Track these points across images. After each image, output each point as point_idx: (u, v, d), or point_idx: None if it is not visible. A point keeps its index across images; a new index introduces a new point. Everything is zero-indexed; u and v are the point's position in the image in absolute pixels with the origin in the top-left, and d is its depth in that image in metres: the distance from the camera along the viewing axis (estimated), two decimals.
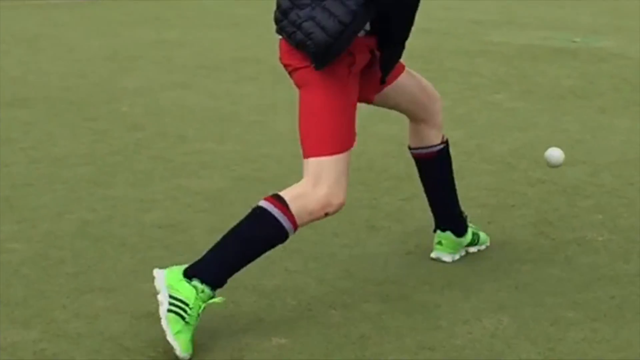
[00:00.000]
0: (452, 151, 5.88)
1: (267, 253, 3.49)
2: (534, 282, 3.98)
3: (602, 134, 6.47)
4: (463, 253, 4.22)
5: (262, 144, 6.14)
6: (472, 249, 4.26)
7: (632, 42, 10.57)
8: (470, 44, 10.15)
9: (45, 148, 6.01)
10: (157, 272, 3.36)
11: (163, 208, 4.87)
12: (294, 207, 3.37)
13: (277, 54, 3.56)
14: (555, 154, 4.10)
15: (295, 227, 3.39)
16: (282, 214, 3.36)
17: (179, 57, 9.41)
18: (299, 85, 3.52)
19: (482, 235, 4.32)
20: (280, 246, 3.50)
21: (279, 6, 3.39)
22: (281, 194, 3.41)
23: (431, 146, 4.06)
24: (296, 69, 3.46)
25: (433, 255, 4.17)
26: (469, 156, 5.84)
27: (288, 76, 3.58)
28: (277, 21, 3.40)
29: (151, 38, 10.65)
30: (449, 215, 4.16)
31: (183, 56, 9.45)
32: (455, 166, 5.57)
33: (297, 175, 5.16)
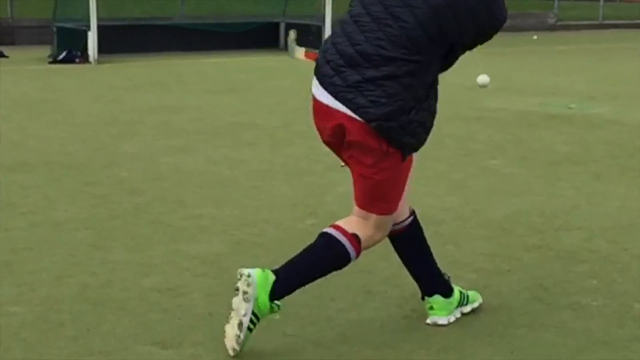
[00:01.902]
0: (448, 216, 5.98)
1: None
2: (529, 346, 4.00)
3: (597, 200, 6.52)
4: (458, 315, 4.25)
5: (260, 209, 6.18)
6: (467, 309, 4.29)
7: (627, 108, 10.69)
8: (467, 110, 10.26)
9: (45, 212, 6.05)
10: (251, 277, 3.67)
11: (162, 272, 4.90)
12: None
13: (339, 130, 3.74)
14: (482, 78, 4.55)
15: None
16: (353, 249, 3.88)
17: (178, 122, 9.50)
18: (390, 164, 3.76)
19: (471, 293, 4.36)
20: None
21: (389, 102, 3.61)
22: (356, 232, 3.89)
23: (402, 221, 4.13)
24: (390, 153, 3.71)
25: (429, 321, 4.19)
26: (465, 221, 5.89)
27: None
28: (386, 119, 3.61)
29: (151, 103, 10.76)
30: (432, 280, 4.22)
31: (182, 121, 9.54)
32: (450, 231, 5.65)
33: (295, 241, 5.22)
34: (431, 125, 3.81)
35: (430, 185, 6.67)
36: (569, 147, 8.39)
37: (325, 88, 3.70)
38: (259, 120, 9.64)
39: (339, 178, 6.79)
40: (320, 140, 3.94)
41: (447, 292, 4.21)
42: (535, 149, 8.32)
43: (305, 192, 6.64)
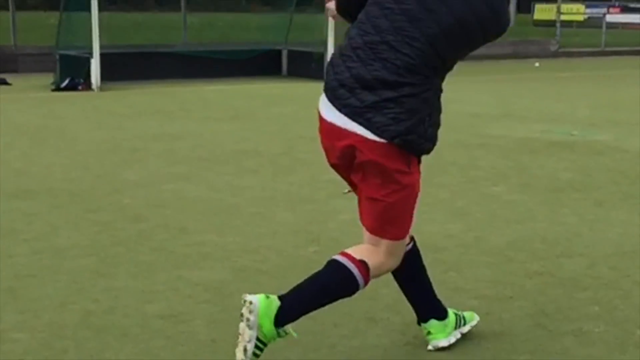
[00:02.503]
0: (451, 243, 5.98)
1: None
2: None
3: (599, 227, 6.53)
4: (458, 336, 4.24)
5: (263, 236, 6.19)
6: (465, 329, 4.29)
7: (629, 135, 10.72)
8: (470, 137, 10.29)
9: (48, 239, 6.06)
10: (253, 304, 3.62)
11: (165, 299, 4.90)
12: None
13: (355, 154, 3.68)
14: None
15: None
16: (361, 276, 3.79)
17: (181, 149, 9.53)
18: (402, 185, 3.72)
19: (467, 313, 4.36)
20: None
21: (407, 118, 3.59)
22: (364, 259, 3.79)
23: None
24: (403, 173, 3.69)
25: (430, 347, 4.18)
26: (467, 248, 5.90)
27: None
28: (407, 133, 3.60)
29: (153, 130, 10.79)
30: (427, 305, 4.22)
31: (184, 148, 9.56)
32: (453, 258, 5.65)
33: (298, 268, 5.23)
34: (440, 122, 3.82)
35: (432, 212, 6.67)
36: (571, 174, 8.41)
37: (340, 109, 3.64)
38: (261, 147, 9.67)
39: (342, 205, 6.81)
40: (327, 163, 3.89)
41: (441, 316, 4.20)
42: (537, 175, 8.33)
43: (307, 219, 6.65)
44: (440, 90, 3.75)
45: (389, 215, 3.77)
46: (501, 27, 3.71)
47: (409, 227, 3.87)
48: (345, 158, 3.73)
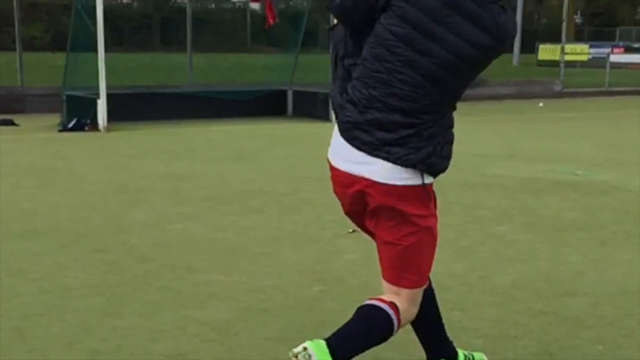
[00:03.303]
0: (455, 282, 6.01)
1: None
2: None
3: (603, 266, 6.56)
4: None
5: (269, 275, 6.23)
6: None
7: (633, 175, 10.76)
8: (474, 177, 10.34)
9: (55, 279, 6.10)
10: (308, 350, 3.52)
11: (171, 338, 4.93)
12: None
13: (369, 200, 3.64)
14: None
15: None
16: (396, 317, 3.71)
17: (187, 189, 9.58)
18: (419, 227, 3.65)
19: (476, 354, 4.38)
20: None
21: (423, 140, 3.55)
22: (394, 302, 3.70)
23: None
24: (419, 215, 3.63)
25: None
26: (472, 287, 5.93)
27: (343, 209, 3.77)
28: (428, 157, 3.56)
29: (159, 171, 10.86)
30: (440, 346, 4.23)
31: (190, 189, 9.62)
32: (457, 297, 5.68)
33: (304, 307, 5.27)
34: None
35: (437, 251, 6.66)
36: (574, 214, 8.45)
37: (358, 148, 3.57)
38: (266, 187, 9.73)
39: (347, 245, 6.85)
40: (332, 204, 3.92)
41: (451, 356, 4.23)
42: (541, 215, 8.37)
43: (313, 259, 6.69)
44: (454, 108, 3.71)
45: (406, 261, 3.70)
46: (506, 46, 3.63)
47: (427, 272, 3.82)
48: (357, 204, 3.70)
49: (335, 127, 3.70)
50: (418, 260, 3.73)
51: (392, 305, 3.69)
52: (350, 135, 3.60)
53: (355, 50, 3.64)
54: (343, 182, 3.69)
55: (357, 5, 3.53)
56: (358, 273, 6.21)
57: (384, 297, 3.75)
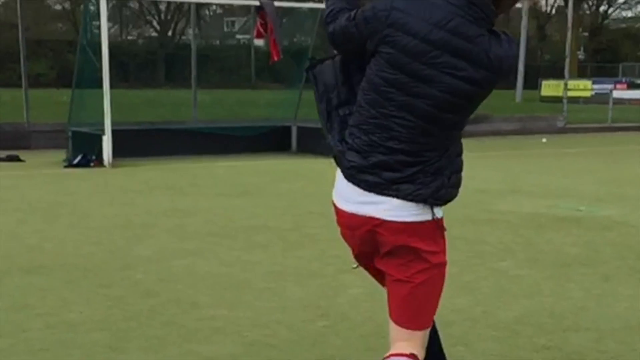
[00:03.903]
0: (458, 317, 6.03)
1: None
2: None
3: (606, 301, 6.58)
4: None
5: (273, 311, 6.25)
6: None
7: (635, 210, 10.79)
8: (477, 213, 10.38)
9: (61, 314, 6.13)
10: None
11: None
12: None
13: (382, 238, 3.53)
14: None
15: None
16: None
17: (191, 225, 9.63)
18: (431, 264, 3.56)
19: None
20: None
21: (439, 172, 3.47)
22: (414, 352, 3.56)
23: None
24: (430, 251, 3.54)
25: None
26: (475, 322, 5.95)
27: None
28: (437, 190, 3.47)
29: (164, 206, 10.91)
30: None
31: (195, 224, 9.66)
32: (461, 332, 5.70)
33: (308, 342, 5.29)
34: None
35: None
36: (577, 249, 8.48)
37: (366, 189, 3.49)
38: (270, 223, 9.77)
39: (351, 280, 6.88)
40: (336, 239, 3.79)
41: None
42: (544, 250, 8.40)
43: (317, 294, 6.72)
44: (460, 137, 3.63)
45: (417, 299, 3.57)
46: (504, 75, 3.48)
47: (433, 314, 3.70)
48: (367, 245, 3.60)
49: (338, 171, 3.62)
50: (429, 298, 3.63)
51: (414, 357, 3.56)
52: (357, 179, 3.52)
53: (350, 99, 3.59)
54: (351, 224, 3.60)
55: (349, 40, 3.49)
56: (362, 308, 6.24)
57: (401, 349, 3.58)
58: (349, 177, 3.54)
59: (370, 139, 3.47)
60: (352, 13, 3.46)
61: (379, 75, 3.41)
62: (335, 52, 3.69)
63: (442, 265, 3.62)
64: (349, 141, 3.54)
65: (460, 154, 3.63)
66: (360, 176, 3.51)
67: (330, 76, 3.65)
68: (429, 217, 3.51)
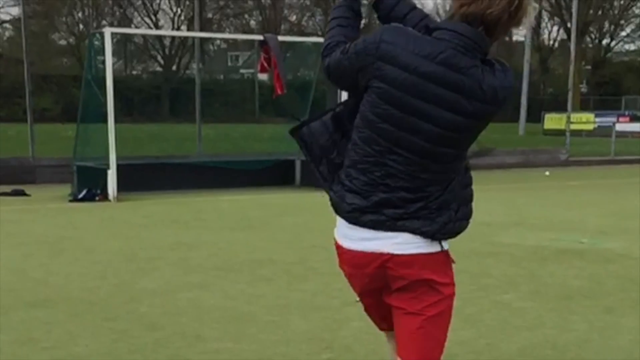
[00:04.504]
0: (462, 350, 6.06)
1: None
2: None
3: (609, 334, 6.60)
4: None
5: (277, 344, 6.28)
6: None
7: (638, 242, 10.83)
8: (481, 246, 10.40)
9: (66, 347, 6.16)
10: None
11: None
12: None
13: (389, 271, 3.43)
14: None
15: None
16: None
17: (196, 258, 9.67)
18: (443, 295, 3.48)
19: None
20: None
21: (443, 207, 3.40)
22: None
23: None
24: (444, 284, 3.47)
25: None
26: (478, 355, 5.98)
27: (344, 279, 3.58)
28: (445, 225, 3.40)
29: (169, 240, 10.95)
30: None
31: (200, 258, 9.70)
32: None
33: None
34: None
35: None
36: (580, 282, 8.50)
37: (369, 228, 3.38)
38: (275, 256, 9.81)
39: (355, 313, 6.90)
40: (337, 271, 3.68)
41: None
42: (547, 283, 8.43)
43: (321, 327, 6.75)
44: (465, 167, 3.55)
45: (429, 333, 3.47)
46: (501, 105, 3.35)
47: (444, 348, 3.59)
48: (375, 281, 3.48)
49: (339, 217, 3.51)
50: (440, 332, 3.53)
51: None
52: (360, 220, 3.41)
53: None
54: (359, 262, 3.46)
55: (342, 74, 3.43)
56: (366, 341, 6.26)
57: None
58: (352, 220, 3.44)
59: (369, 178, 3.38)
60: (346, 46, 3.40)
61: (372, 112, 3.33)
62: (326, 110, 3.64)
63: (452, 296, 3.53)
64: (346, 183, 3.44)
65: (468, 184, 3.57)
66: (364, 217, 3.40)
67: (324, 137, 3.58)
68: (438, 248, 3.44)
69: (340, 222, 3.51)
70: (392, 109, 3.29)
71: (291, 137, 3.84)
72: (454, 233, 3.47)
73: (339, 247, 3.54)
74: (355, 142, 3.41)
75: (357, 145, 3.40)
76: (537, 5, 3.33)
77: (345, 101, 3.56)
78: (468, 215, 3.54)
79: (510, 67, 3.41)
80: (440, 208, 3.40)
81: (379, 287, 3.50)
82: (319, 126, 3.59)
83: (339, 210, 3.48)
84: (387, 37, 3.28)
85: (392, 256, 3.38)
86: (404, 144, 3.32)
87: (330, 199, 3.53)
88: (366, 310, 3.75)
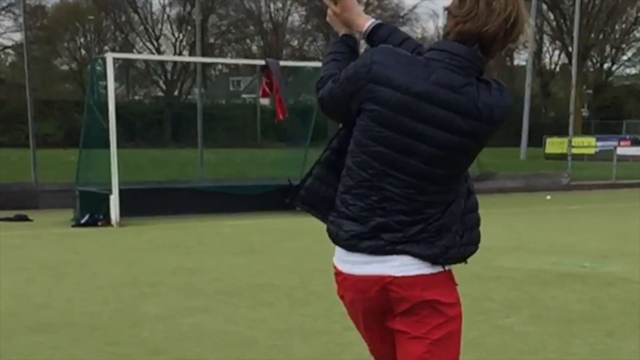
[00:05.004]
0: None
1: None
2: None
3: (610, 357, 6.62)
4: None
5: None
6: None
7: (639, 266, 10.82)
8: (483, 270, 10.42)
9: None
10: None
11: None
12: None
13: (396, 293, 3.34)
14: None
15: None
16: None
17: (198, 283, 9.69)
18: (447, 317, 3.38)
19: None
20: None
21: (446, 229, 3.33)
22: None
23: None
24: (448, 305, 3.38)
25: None
26: None
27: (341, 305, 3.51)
28: (447, 249, 3.32)
29: (171, 265, 10.98)
30: None
31: (202, 282, 9.73)
32: None
33: None
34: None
35: None
36: (582, 305, 8.52)
37: (369, 254, 3.31)
38: (276, 281, 9.83)
39: (356, 337, 6.88)
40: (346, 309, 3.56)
41: None
42: (549, 307, 8.44)
43: (323, 351, 6.76)
44: (469, 192, 3.47)
45: (437, 358, 3.36)
46: (497, 123, 3.29)
47: None
48: (378, 305, 3.38)
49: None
50: (449, 356, 3.41)
51: None
52: (359, 247, 3.34)
53: None
54: (360, 287, 3.38)
55: (335, 103, 3.38)
56: None
57: None
58: (351, 248, 3.35)
59: (365, 204, 3.32)
60: (338, 75, 3.38)
61: (366, 135, 3.28)
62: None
63: (459, 318, 3.42)
64: (342, 210, 3.38)
65: (474, 209, 3.50)
66: (362, 244, 3.33)
67: (323, 189, 3.50)
68: (440, 268, 3.35)
69: (338, 249, 3.43)
70: (386, 131, 3.25)
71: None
72: (461, 258, 3.41)
73: (338, 274, 3.46)
74: (350, 168, 3.36)
75: (352, 171, 3.35)
76: (532, 22, 3.35)
77: (332, 140, 3.51)
78: (475, 240, 3.49)
79: (506, 86, 3.35)
80: (440, 231, 3.32)
81: (382, 311, 3.40)
82: (313, 182, 3.52)
83: (337, 240, 3.40)
84: (378, 59, 3.26)
85: (394, 278, 3.30)
86: (400, 166, 3.26)
87: (327, 230, 3.45)
88: (367, 340, 3.65)
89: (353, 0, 3.58)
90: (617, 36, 68.95)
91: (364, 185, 3.32)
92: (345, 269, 3.40)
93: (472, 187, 3.51)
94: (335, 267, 3.47)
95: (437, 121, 3.21)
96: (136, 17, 68.08)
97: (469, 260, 3.45)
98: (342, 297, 3.51)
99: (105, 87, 16.22)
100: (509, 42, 3.25)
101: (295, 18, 71.09)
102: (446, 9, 3.30)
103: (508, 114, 3.30)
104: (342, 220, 3.37)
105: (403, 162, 3.25)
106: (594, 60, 70.36)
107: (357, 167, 3.32)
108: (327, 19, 3.64)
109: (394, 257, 3.30)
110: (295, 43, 71.44)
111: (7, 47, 63.47)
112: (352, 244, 3.34)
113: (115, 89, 17.39)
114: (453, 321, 3.37)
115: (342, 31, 3.62)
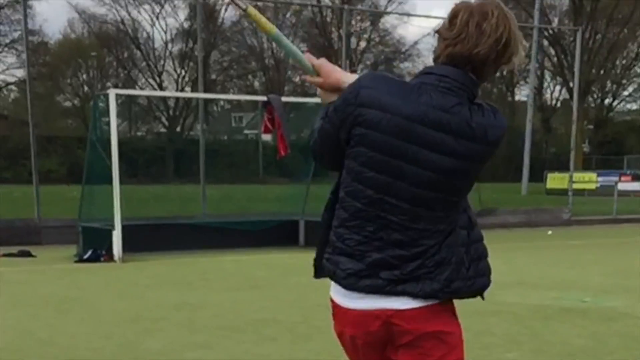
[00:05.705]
0: None
1: None
2: None
3: None
4: None
5: None
6: None
7: None
8: (483, 304, 10.36)
9: None
10: None
11: None
12: None
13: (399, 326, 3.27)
14: None
15: None
16: None
17: (201, 318, 9.73)
18: (450, 345, 3.31)
19: None
20: None
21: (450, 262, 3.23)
22: None
23: None
24: (451, 334, 3.32)
25: None
26: None
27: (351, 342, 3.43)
28: (450, 282, 3.23)
29: (174, 300, 11.01)
30: None
31: (204, 318, 9.76)
32: None
33: None
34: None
35: None
36: (583, 340, 8.55)
37: (367, 293, 3.23)
38: (279, 316, 9.86)
39: None
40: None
41: None
42: (550, 342, 8.47)
43: None
44: (472, 223, 3.35)
45: None
46: (493, 144, 3.21)
47: None
48: (380, 338, 3.30)
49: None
50: None
51: None
52: (357, 286, 3.25)
53: None
54: (362, 321, 3.29)
55: (326, 140, 3.31)
56: None
57: None
58: (350, 287, 3.27)
59: (362, 236, 3.23)
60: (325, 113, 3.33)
61: (357, 161, 3.20)
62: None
63: (461, 344, 3.35)
64: (338, 245, 3.29)
65: (478, 240, 3.36)
66: (361, 282, 3.24)
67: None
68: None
69: (336, 285, 3.35)
70: (377, 155, 3.16)
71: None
72: (471, 292, 3.32)
73: (337, 308, 3.38)
74: (343, 199, 3.27)
75: (346, 202, 3.26)
76: (526, 44, 3.34)
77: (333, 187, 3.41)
78: (483, 271, 3.35)
79: (498, 109, 3.28)
80: (439, 265, 3.21)
81: (383, 343, 3.31)
82: (323, 230, 3.42)
83: (334, 278, 3.33)
84: (366, 83, 3.20)
85: (396, 311, 3.21)
86: (393, 191, 3.17)
87: (325, 268, 3.37)
88: None
89: (330, 64, 3.48)
90: (618, 72, 69.15)
91: (358, 216, 3.23)
92: (345, 303, 3.32)
93: (474, 219, 3.38)
94: (332, 301, 3.39)
95: (430, 143, 3.13)
96: (139, 54, 68.39)
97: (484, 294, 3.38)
98: (340, 334, 3.46)
99: (108, 123, 16.30)
100: (502, 63, 3.21)
101: None
102: (436, 31, 3.26)
103: (503, 136, 3.23)
104: (338, 258, 3.29)
105: (396, 186, 3.17)
106: (595, 96, 70.53)
107: (351, 198, 3.24)
108: (319, 98, 3.51)
109: (395, 298, 3.22)
110: (297, 79, 71.74)
111: (10, 83, 63.75)
112: (350, 283, 3.26)
113: (118, 125, 17.52)
114: (456, 349, 3.31)
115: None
